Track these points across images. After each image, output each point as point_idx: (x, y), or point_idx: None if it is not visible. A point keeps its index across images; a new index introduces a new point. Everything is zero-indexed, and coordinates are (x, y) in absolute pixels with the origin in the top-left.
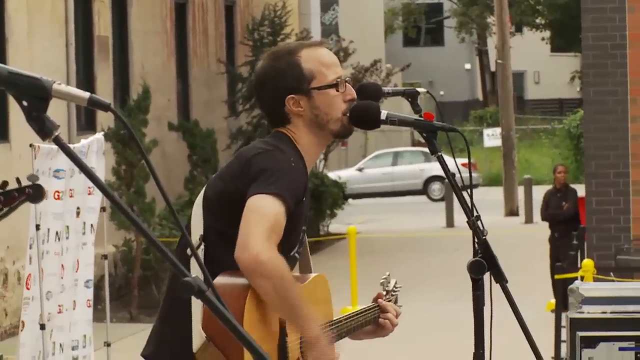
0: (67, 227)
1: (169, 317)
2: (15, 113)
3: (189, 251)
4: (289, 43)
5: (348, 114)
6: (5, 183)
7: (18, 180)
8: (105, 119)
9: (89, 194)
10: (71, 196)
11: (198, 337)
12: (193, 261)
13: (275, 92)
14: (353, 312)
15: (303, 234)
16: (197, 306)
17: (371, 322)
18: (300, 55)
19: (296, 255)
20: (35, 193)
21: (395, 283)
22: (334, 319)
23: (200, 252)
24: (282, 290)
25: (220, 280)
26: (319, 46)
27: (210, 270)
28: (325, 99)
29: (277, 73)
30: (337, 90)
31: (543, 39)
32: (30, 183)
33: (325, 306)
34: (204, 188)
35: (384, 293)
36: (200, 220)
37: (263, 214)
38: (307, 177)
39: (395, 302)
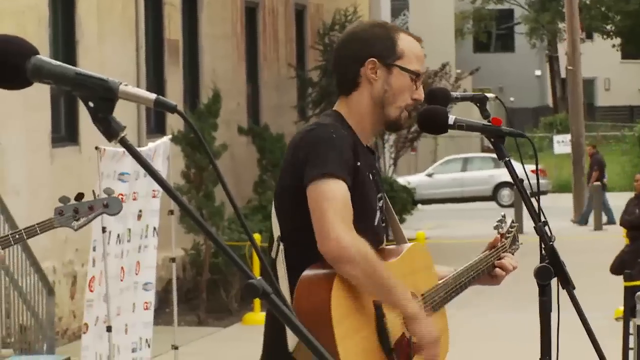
0: (129, 230)
1: (267, 317)
2: (85, 116)
3: (273, 254)
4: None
5: (409, 111)
6: (81, 195)
7: (94, 193)
8: (175, 123)
9: (153, 196)
10: (134, 199)
11: (291, 337)
12: (280, 264)
13: (360, 50)
14: (463, 269)
15: (381, 200)
16: None
17: (485, 272)
18: (399, 33)
19: (382, 223)
20: (112, 205)
21: (512, 222)
22: (440, 282)
23: (281, 253)
24: (370, 272)
25: (303, 277)
26: (417, 40)
27: (293, 268)
28: (401, 82)
29: (371, 35)
30: (414, 83)
31: (613, 45)
32: (106, 195)
33: (427, 273)
34: (275, 188)
35: (499, 236)
36: (276, 220)
37: (327, 199)
38: (359, 145)
39: (515, 241)
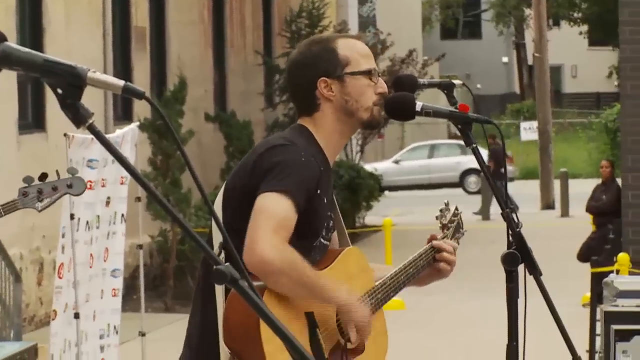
0: (98, 216)
1: (199, 308)
2: (52, 103)
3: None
4: (327, 33)
5: (380, 106)
6: (45, 175)
7: (57, 173)
8: (141, 110)
9: (121, 183)
10: (103, 186)
11: (223, 353)
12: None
13: (308, 74)
14: (401, 267)
15: (329, 222)
16: (220, 318)
17: (426, 267)
18: (337, 43)
19: (323, 242)
20: (76, 185)
21: (456, 209)
22: (376, 284)
23: (219, 249)
24: (297, 277)
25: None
26: (356, 38)
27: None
28: (357, 86)
29: (312, 56)
30: (370, 80)
31: (580, 32)
32: (70, 175)
33: (363, 276)
34: (224, 183)
35: (440, 226)
36: (220, 213)
37: (268, 213)
38: (324, 168)
39: (459, 228)
